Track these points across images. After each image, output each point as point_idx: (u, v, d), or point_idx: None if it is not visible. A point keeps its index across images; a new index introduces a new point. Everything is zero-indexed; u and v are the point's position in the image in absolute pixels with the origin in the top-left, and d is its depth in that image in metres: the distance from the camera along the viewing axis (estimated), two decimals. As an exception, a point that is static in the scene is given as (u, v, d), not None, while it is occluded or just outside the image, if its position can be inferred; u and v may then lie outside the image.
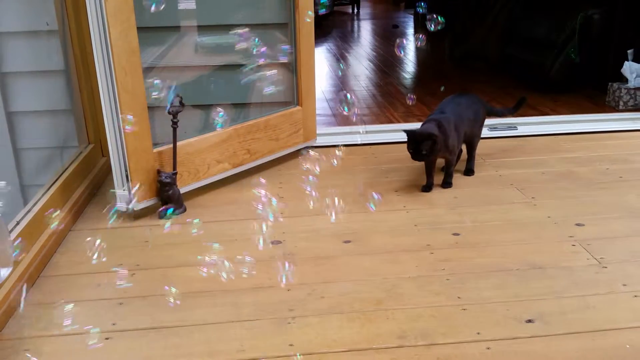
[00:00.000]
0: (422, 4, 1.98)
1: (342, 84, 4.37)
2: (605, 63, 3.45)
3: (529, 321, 1.42)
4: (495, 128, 2.84)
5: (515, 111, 2.52)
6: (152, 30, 2.21)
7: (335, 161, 1.88)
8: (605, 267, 1.65)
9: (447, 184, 2.22)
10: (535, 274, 1.63)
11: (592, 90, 3.55)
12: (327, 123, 3.17)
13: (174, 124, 1.98)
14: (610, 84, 3.27)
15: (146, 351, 1.35)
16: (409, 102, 2.06)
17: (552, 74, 3.61)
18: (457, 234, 1.86)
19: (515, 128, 2.85)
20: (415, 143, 2.06)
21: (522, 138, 2.78)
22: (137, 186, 1.92)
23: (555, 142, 2.73)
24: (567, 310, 1.46)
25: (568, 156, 2.53)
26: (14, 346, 1.37)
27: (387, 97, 3.77)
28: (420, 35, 1.91)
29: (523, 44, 3.96)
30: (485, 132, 2.80)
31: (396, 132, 2.82)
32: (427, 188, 2.19)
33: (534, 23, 3.93)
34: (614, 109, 3.23)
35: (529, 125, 2.90)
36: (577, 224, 1.90)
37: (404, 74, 4.70)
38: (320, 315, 1.46)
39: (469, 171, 2.34)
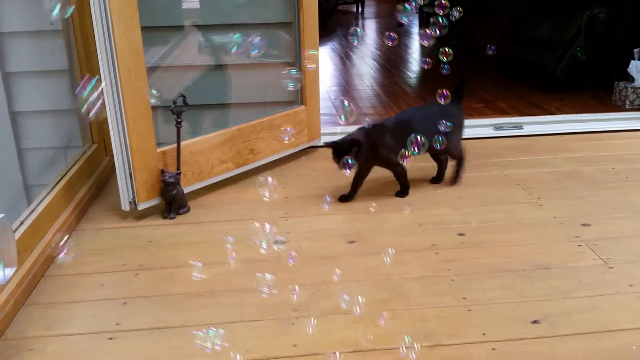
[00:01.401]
0: (446, 66, 1.97)
1: (346, 83, 4.36)
2: (611, 62, 3.44)
3: (535, 322, 1.41)
4: (500, 127, 2.83)
5: (464, 84, 2.19)
6: (156, 30, 2.20)
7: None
8: (612, 268, 1.64)
9: (399, 193, 2.14)
10: (541, 275, 1.61)
11: (598, 89, 3.53)
12: (331, 122, 3.16)
13: (178, 124, 1.98)
14: (616, 83, 3.26)
15: (150, 351, 1.35)
16: (425, 67, 2.01)
17: (557, 73, 3.59)
18: (462, 234, 1.85)
19: (520, 127, 2.84)
20: (339, 153, 1.97)
21: (528, 137, 2.76)
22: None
23: (560, 141, 2.71)
24: (573, 310, 1.45)
25: (574, 156, 2.51)
26: (18, 346, 1.37)
27: (392, 97, 3.76)
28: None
29: (528, 44, 3.94)
30: (490, 132, 2.80)
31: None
32: (345, 198, 2.11)
33: (538, 22, 3.91)
34: (620, 108, 3.21)
35: (534, 124, 2.89)
36: (583, 224, 1.89)
37: (408, 73, 4.69)
38: (324, 315, 1.45)
39: (435, 180, 2.25)
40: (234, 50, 1.64)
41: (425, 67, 1.99)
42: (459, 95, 2.17)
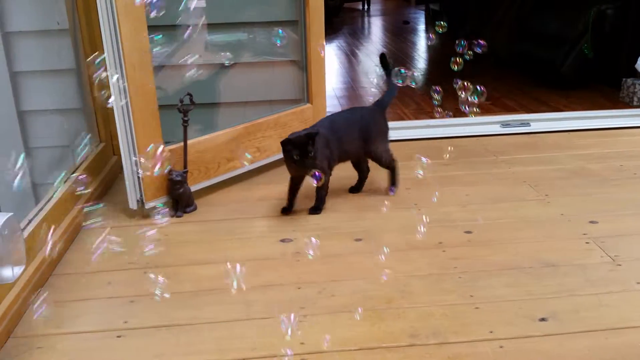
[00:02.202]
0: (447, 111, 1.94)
1: (352, 80, 4.35)
2: (618, 58, 3.42)
3: (542, 319, 1.40)
4: (507, 125, 2.83)
5: (393, 86, 2.17)
6: (162, 29, 2.20)
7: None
8: (620, 265, 1.63)
9: (314, 209, 2.00)
10: (549, 272, 1.61)
11: (605, 86, 3.52)
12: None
13: (185, 122, 1.98)
14: (624, 79, 3.24)
15: (157, 349, 1.35)
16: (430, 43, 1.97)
17: (564, 70, 3.58)
18: (469, 232, 1.85)
19: (527, 124, 2.83)
20: (299, 148, 1.84)
21: (535, 134, 2.75)
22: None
23: (568, 138, 2.70)
24: (581, 308, 1.45)
25: (581, 153, 2.50)
26: (27, 343, 1.38)
27: (399, 94, 3.73)
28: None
29: (534, 40, 3.92)
30: (497, 129, 2.79)
31: (407, 129, 2.82)
32: (286, 210, 2.02)
33: (545, 19, 3.90)
34: (628, 104, 3.19)
35: (541, 121, 2.88)
36: (591, 222, 1.88)
37: (414, 71, 4.68)
38: (331, 313, 1.45)
39: (354, 189, 2.15)
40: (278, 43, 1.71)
41: (436, 95, 1.97)
42: (382, 102, 2.16)
